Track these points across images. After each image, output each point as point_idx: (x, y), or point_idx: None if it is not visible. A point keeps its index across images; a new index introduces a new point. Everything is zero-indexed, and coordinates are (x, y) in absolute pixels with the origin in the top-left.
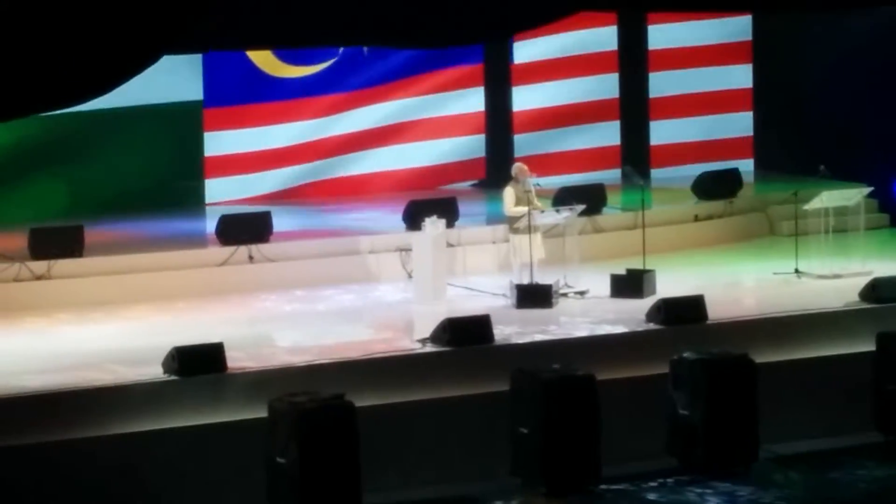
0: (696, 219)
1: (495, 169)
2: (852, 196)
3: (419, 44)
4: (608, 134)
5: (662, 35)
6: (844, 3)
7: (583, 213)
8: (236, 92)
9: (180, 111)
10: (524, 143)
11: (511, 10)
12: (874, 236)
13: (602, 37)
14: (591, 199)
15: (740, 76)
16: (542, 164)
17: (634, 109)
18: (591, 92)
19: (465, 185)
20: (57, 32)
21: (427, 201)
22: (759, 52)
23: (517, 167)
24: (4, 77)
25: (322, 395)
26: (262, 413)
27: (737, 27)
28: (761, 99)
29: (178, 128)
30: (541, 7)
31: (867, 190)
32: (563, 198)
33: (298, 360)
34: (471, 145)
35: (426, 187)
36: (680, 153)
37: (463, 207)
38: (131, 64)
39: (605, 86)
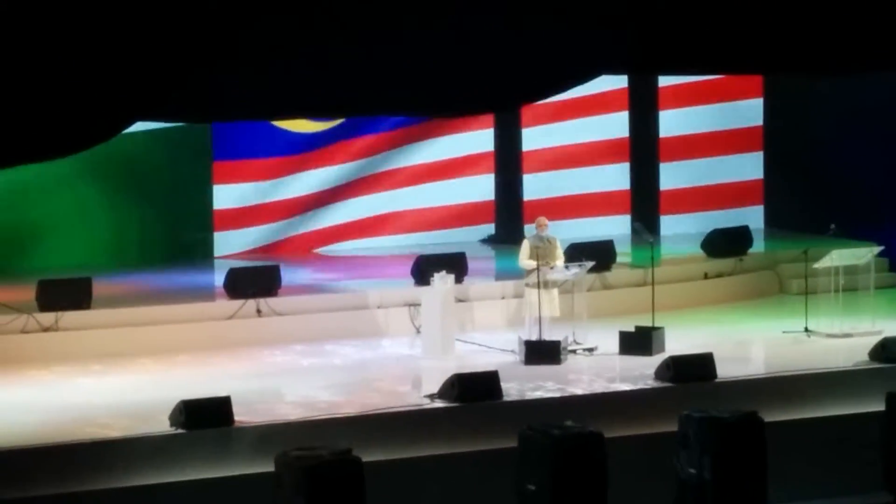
0: (706, 276)
1: (504, 213)
2: (863, 255)
3: (426, 114)
4: (618, 177)
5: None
6: (858, 69)
7: (592, 270)
8: (247, 145)
9: (189, 154)
10: (533, 185)
11: (522, 83)
12: (884, 295)
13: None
14: (600, 256)
15: (751, 113)
16: (552, 207)
17: (644, 150)
18: (601, 131)
19: (474, 237)
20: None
21: (436, 256)
22: (770, 87)
23: (537, 219)
24: None
25: (329, 449)
26: (268, 467)
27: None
28: (772, 144)
29: (188, 173)
30: (551, 79)
31: (878, 249)
32: (573, 254)
33: (306, 414)
34: (480, 186)
35: (436, 228)
36: (690, 198)
37: (472, 263)
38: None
39: (615, 125)
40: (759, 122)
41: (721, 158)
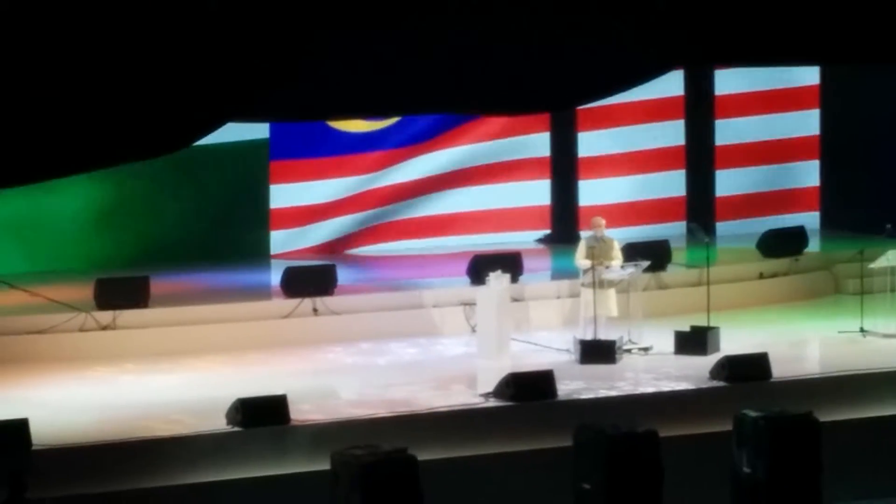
0: (761, 276)
1: (560, 218)
2: None
3: (484, 113)
4: (673, 184)
5: (729, 80)
6: None
7: (647, 270)
8: (303, 144)
9: (246, 152)
10: (589, 191)
11: (581, 83)
12: None
13: (669, 81)
14: (655, 256)
15: (807, 123)
16: (608, 214)
17: (700, 158)
18: (657, 139)
19: (530, 237)
20: (119, 93)
21: (491, 256)
22: (827, 97)
23: (593, 219)
24: (61, 135)
25: (384, 448)
26: (324, 465)
27: (804, 72)
28: (828, 150)
29: (245, 173)
30: (611, 79)
31: None
32: (628, 254)
33: (361, 413)
34: (536, 191)
35: (491, 231)
36: (745, 205)
37: (527, 262)
38: (193, 131)
39: (672, 132)
40: (816, 131)
41: (777, 166)
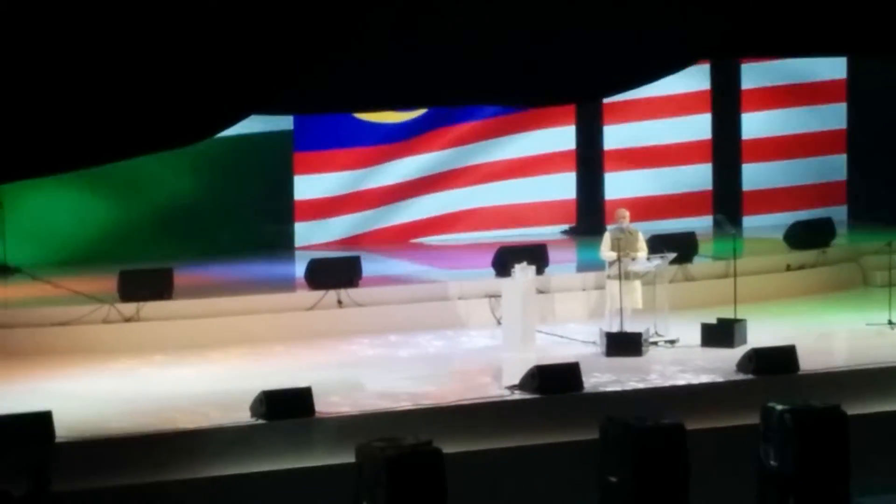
0: (788, 268)
1: (585, 212)
2: None
3: (513, 104)
4: (700, 178)
5: (755, 74)
6: None
7: (674, 262)
8: (328, 135)
9: (270, 143)
10: (615, 184)
11: (611, 74)
12: None
13: (695, 75)
14: (682, 248)
15: (834, 117)
16: (633, 208)
17: (727, 152)
18: (683, 132)
19: (555, 230)
20: (141, 83)
21: (517, 247)
22: (854, 91)
23: (617, 211)
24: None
25: (409, 441)
26: (349, 458)
27: (831, 65)
28: (855, 142)
29: (268, 165)
30: (639, 70)
31: None
32: (655, 246)
33: (386, 405)
34: (561, 184)
35: (516, 226)
36: (772, 199)
37: (553, 254)
38: (214, 123)
39: (698, 126)
40: (843, 125)
41: (804, 160)
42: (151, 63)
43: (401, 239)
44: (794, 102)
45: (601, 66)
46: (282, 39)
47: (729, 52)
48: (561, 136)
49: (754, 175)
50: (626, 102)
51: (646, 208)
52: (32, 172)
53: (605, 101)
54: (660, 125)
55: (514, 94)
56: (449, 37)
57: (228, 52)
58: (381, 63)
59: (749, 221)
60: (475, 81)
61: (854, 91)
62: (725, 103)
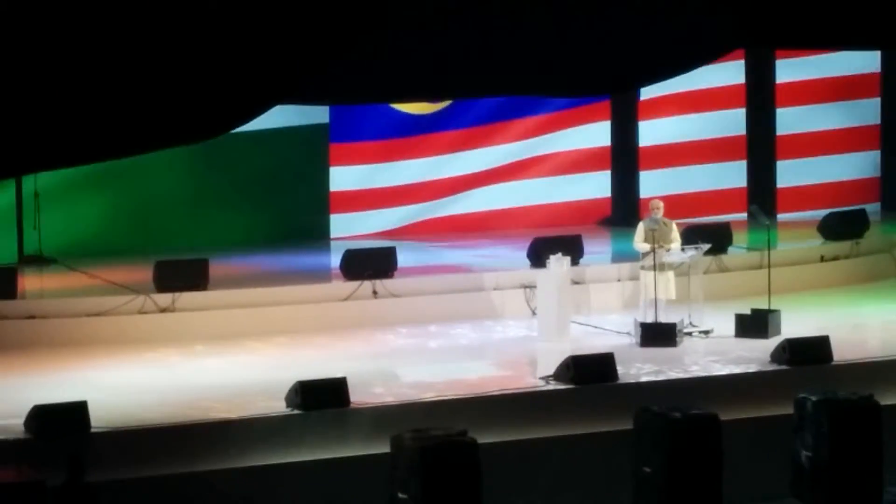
0: (822, 259)
1: (621, 207)
2: None
3: (545, 95)
4: (734, 174)
5: (790, 69)
6: None
7: (708, 252)
8: (363, 126)
9: (306, 137)
10: (650, 182)
11: (640, 65)
12: None
13: (729, 70)
14: (716, 239)
15: (868, 112)
16: (668, 205)
17: (762, 148)
18: (717, 128)
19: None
20: (162, 76)
21: (552, 238)
22: (888, 83)
23: (651, 202)
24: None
25: (445, 431)
26: (384, 448)
27: (865, 59)
28: (889, 135)
29: (304, 156)
30: (672, 60)
31: None
32: (689, 237)
33: (421, 395)
34: (596, 182)
35: (551, 225)
36: (807, 196)
37: (588, 245)
38: (239, 114)
39: (732, 122)
40: (877, 120)
41: (838, 157)
42: (172, 54)
43: (436, 233)
44: (829, 97)
45: (630, 57)
46: (300, 28)
47: (755, 42)
48: (596, 133)
49: (789, 172)
50: (660, 98)
51: (680, 205)
52: (57, 163)
53: (641, 97)
54: (694, 120)
55: (543, 85)
56: (477, 26)
57: (248, 42)
58: (408, 52)
59: (783, 219)
60: (505, 71)
61: (889, 84)
62: (760, 98)
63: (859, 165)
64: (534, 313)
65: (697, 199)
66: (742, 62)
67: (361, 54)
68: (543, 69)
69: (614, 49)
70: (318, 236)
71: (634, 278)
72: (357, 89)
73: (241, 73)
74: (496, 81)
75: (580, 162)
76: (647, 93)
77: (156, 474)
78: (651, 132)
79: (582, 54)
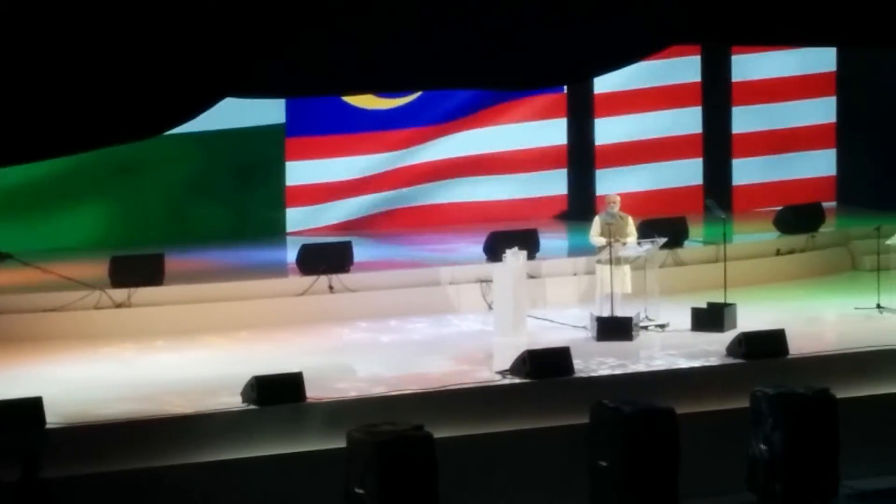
0: (778, 253)
1: (577, 203)
2: None
3: (504, 87)
4: (690, 172)
5: (746, 67)
6: None
7: (664, 246)
8: (320, 121)
9: (263, 136)
10: (607, 179)
11: (593, 53)
12: None
13: (685, 67)
14: (672, 233)
15: (824, 110)
16: (624, 203)
17: (718, 146)
18: (673, 126)
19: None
20: (112, 72)
21: (508, 233)
22: (844, 82)
23: (607, 196)
24: (64, 112)
25: (401, 425)
26: (340, 443)
27: (821, 58)
28: (844, 132)
29: (261, 153)
30: (623, 48)
31: None
32: (645, 231)
33: (377, 390)
34: (553, 180)
35: (506, 220)
36: (763, 193)
37: (544, 239)
38: (189, 106)
39: (688, 120)
40: (833, 119)
41: (795, 155)
42: (121, 48)
43: (392, 226)
44: (785, 96)
45: (577, 48)
46: (250, 18)
47: (702, 38)
48: (553, 131)
49: (744, 170)
50: (617, 96)
51: (637, 204)
52: (9, 160)
53: (597, 93)
54: (650, 118)
55: (495, 77)
56: (423, 19)
57: (196, 33)
58: (357, 44)
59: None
60: (452, 64)
61: (844, 82)
62: (716, 96)
63: (815, 164)
64: (490, 307)
65: (654, 197)
66: (698, 60)
67: (311, 46)
68: (494, 60)
69: (566, 39)
70: (274, 231)
71: (591, 272)
72: (307, 82)
73: (188, 66)
74: (447, 74)
75: (537, 159)
76: (604, 90)
77: (112, 470)
78: (607, 130)
79: (533, 45)
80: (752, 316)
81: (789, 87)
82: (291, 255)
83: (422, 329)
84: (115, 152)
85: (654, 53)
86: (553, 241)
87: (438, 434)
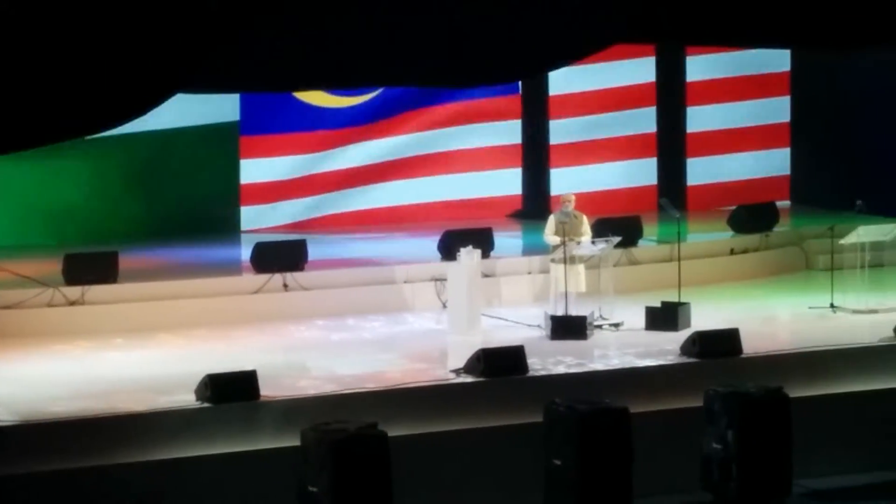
0: (732, 252)
1: (532, 202)
2: (889, 231)
3: (451, 84)
4: (645, 172)
5: (700, 67)
6: (890, 41)
7: (618, 245)
8: (274, 119)
9: (217, 134)
10: (562, 179)
11: (539, 49)
12: None
13: (640, 68)
14: (626, 231)
15: (778, 110)
16: (579, 203)
17: (672, 145)
18: (628, 125)
19: (501, 214)
20: (66, 66)
21: (462, 231)
22: (798, 82)
23: (562, 195)
24: (12, 109)
25: (355, 424)
26: (294, 441)
27: (775, 58)
28: (798, 132)
29: (215, 151)
30: (570, 45)
31: None
32: (599, 230)
33: (332, 388)
34: (508, 179)
35: (461, 219)
36: (717, 193)
37: (498, 238)
38: (141, 101)
39: (643, 120)
40: (787, 118)
41: (749, 154)
42: (67, 42)
43: (346, 225)
44: (739, 96)
45: (522, 44)
46: (201, 12)
47: (662, 38)
48: (507, 131)
49: (699, 170)
50: (571, 96)
51: (591, 203)
52: None
53: (552, 94)
54: (605, 118)
55: (442, 73)
56: (370, 14)
57: (147, 28)
58: (307, 39)
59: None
60: (410, 62)
61: (798, 82)
62: (671, 96)
63: (770, 163)
64: (444, 306)
65: (608, 197)
66: (653, 61)
67: (262, 40)
68: (444, 57)
69: (513, 35)
70: (228, 229)
71: (545, 271)
72: (258, 77)
73: (138, 61)
74: (397, 72)
75: (491, 159)
76: (559, 90)
77: (65, 468)
78: (562, 130)
79: (483, 41)
80: (706, 315)
81: (744, 86)
82: (246, 253)
83: (376, 327)
84: (64, 146)
85: (602, 49)
86: (508, 239)
87: (392, 432)
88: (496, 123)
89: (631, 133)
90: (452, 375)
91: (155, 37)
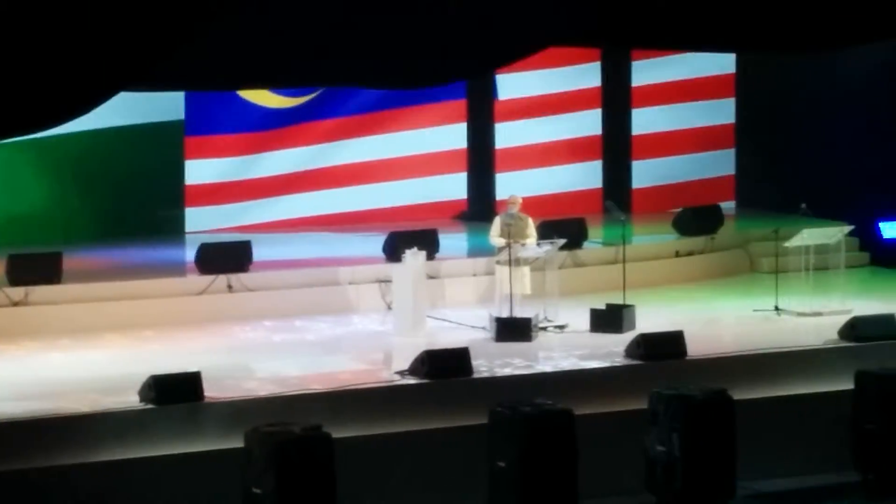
0: (677, 254)
1: (477, 205)
2: (833, 234)
3: (393, 85)
4: (590, 175)
5: (645, 69)
6: (833, 45)
7: (563, 248)
8: (219, 119)
9: (161, 132)
10: (507, 183)
11: (478, 50)
12: (854, 275)
13: (586, 73)
14: (571, 234)
15: (723, 111)
16: (525, 206)
17: (617, 148)
18: (573, 129)
19: (447, 216)
20: (6, 62)
21: (407, 233)
22: (742, 84)
23: (508, 197)
24: None
25: (299, 425)
26: (238, 443)
27: (720, 61)
28: (744, 134)
29: (160, 150)
30: (509, 45)
31: (848, 228)
32: (544, 232)
33: (276, 390)
34: (452, 184)
35: (407, 222)
36: (663, 195)
37: (444, 239)
38: (85, 99)
39: (588, 122)
40: (732, 120)
41: (693, 156)
42: (7, 42)
43: (292, 228)
44: (684, 98)
45: (480, 43)
46: (144, 11)
47: (609, 41)
48: (452, 135)
49: (644, 172)
50: (517, 101)
51: (537, 207)
52: None
53: (500, 99)
54: (550, 122)
55: (381, 74)
56: (327, 14)
57: (91, 24)
58: (251, 37)
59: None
60: (357, 61)
61: (742, 85)
62: (616, 100)
63: (715, 165)
64: (389, 307)
65: (554, 200)
66: (599, 65)
67: (206, 38)
68: (385, 58)
69: (453, 36)
70: (172, 230)
71: (490, 273)
72: (202, 75)
73: (81, 57)
74: (344, 71)
75: (436, 164)
76: (504, 95)
77: (8, 469)
78: (507, 134)
79: (428, 43)
80: (651, 317)
81: (688, 89)
82: (190, 254)
83: (321, 329)
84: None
85: (541, 50)
86: (453, 241)
87: (337, 434)
88: (442, 128)
89: (576, 136)
90: (397, 377)
91: (98, 32)
